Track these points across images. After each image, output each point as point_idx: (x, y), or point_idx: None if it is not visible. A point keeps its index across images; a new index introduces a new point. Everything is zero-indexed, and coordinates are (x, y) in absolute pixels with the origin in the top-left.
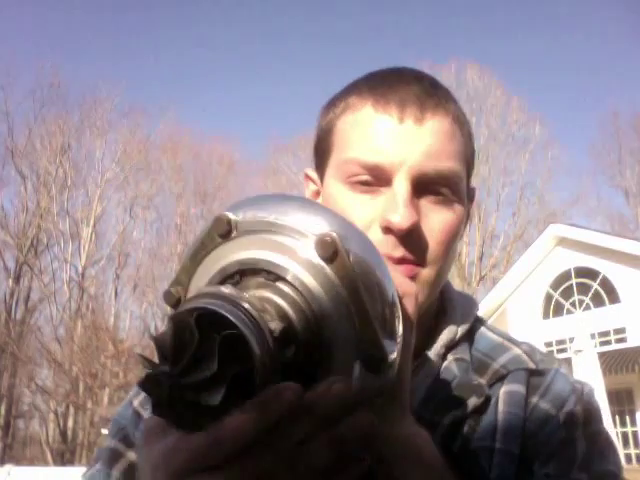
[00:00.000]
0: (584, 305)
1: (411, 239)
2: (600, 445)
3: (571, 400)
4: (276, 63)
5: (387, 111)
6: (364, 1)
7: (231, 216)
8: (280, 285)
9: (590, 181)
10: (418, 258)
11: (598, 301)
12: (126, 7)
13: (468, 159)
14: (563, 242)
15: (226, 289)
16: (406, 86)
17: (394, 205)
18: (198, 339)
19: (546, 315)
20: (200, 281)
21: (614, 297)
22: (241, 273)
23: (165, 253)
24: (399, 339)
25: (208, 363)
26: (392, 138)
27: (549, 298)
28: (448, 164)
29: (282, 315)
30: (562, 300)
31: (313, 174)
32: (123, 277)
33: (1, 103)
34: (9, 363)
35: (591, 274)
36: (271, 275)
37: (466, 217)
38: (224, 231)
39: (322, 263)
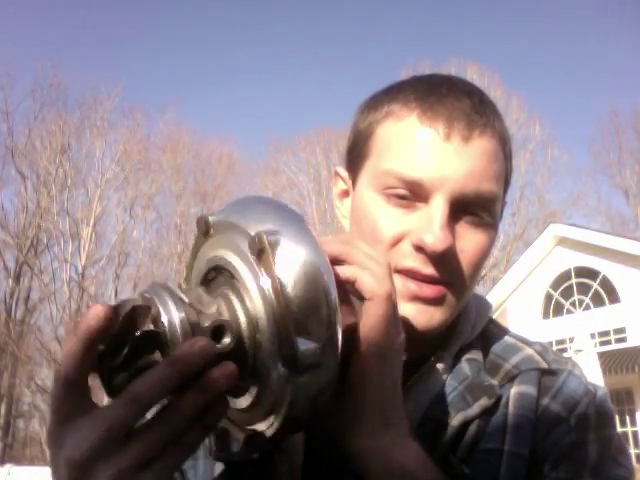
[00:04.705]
0: (584, 305)
1: (442, 259)
2: (612, 450)
3: (583, 403)
4: (276, 63)
5: (433, 126)
6: (364, 1)
7: (210, 217)
8: (234, 283)
9: (590, 181)
10: (447, 277)
11: (598, 301)
12: (126, 7)
13: (507, 177)
14: (563, 242)
15: (175, 290)
16: (456, 100)
17: (429, 225)
18: (119, 328)
19: (546, 315)
20: (196, 277)
21: (614, 297)
22: (215, 269)
23: (165, 253)
24: (326, 340)
25: (123, 351)
26: (436, 155)
27: (549, 298)
28: (488, 187)
29: (220, 313)
30: (562, 300)
31: (344, 173)
32: (123, 277)
33: (1, 103)
34: (9, 363)
35: (591, 274)
36: (228, 273)
37: (496, 235)
38: (203, 230)
39: (255, 261)
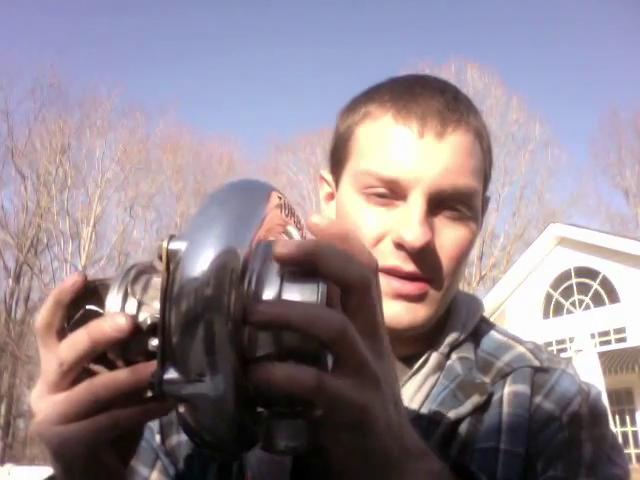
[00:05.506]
0: (584, 305)
1: (423, 255)
2: (607, 449)
3: (576, 401)
4: (276, 63)
5: (408, 124)
6: (364, 1)
7: None
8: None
9: (590, 181)
10: (428, 274)
11: (598, 301)
12: (126, 7)
13: (486, 172)
14: (563, 242)
15: (137, 276)
16: (429, 98)
17: (408, 222)
18: (80, 299)
19: (546, 315)
20: None
21: (614, 297)
22: None
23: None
24: (194, 376)
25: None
26: (411, 153)
27: (549, 298)
28: (466, 181)
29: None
30: (562, 300)
31: (328, 176)
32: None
33: (1, 103)
34: (9, 363)
35: (591, 274)
36: None
37: (479, 229)
38: None
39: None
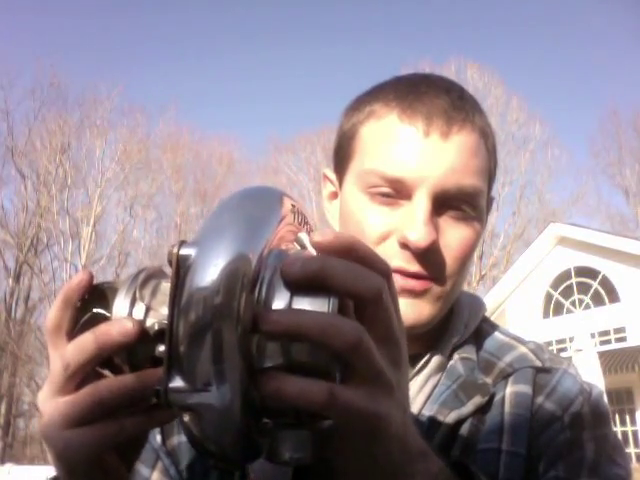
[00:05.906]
0: (584, 304)
1: (427, 255)
2: (609, 449)
3: (578, 401)
4: (276, 62)
5: (413, 123)
6: (364, 1)
7: None
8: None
9: (590, 181)
10: (433, 273)
11: (598, 300)
12: (126, 7)
13: (491, 172)
14: (563, 241)
15: (145, 281)
16: (434, 98)
17: (413, 222)
18: (80, 306)
19: (546, 314)
20: None
21: (614, 297)
22: None
23: (165, 253)
24: (200, 386)
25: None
26: (416, 152)
27: (549, 297)
28: (471, 181)
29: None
30: (562, 299)
31: (332, 175)
32: (123, 276)
33: (1, 102)
34: (9, 362)
35: (591, 273)
36: None
37: (483, 229)
38: None
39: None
